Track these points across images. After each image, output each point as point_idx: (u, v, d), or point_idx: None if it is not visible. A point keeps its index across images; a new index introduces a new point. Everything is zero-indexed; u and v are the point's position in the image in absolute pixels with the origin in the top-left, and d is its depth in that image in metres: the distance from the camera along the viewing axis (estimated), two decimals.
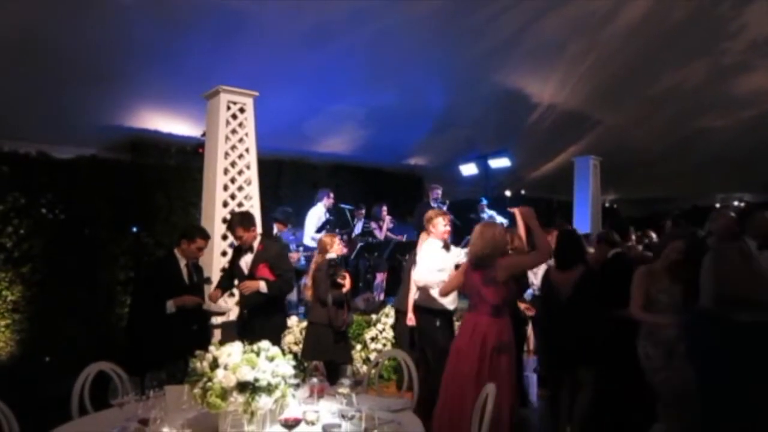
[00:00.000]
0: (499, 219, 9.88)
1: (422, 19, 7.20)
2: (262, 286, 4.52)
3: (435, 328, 4.72)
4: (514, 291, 3.92)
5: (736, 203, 13.36)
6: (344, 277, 4.97)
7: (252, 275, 4.60)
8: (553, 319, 4.49)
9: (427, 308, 4.77)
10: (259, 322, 4.53)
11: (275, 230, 7.68)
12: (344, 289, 4.96)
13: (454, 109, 9.36)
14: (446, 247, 4.87)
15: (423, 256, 4.86)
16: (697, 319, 2.51)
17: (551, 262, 4.62)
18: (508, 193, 12.52)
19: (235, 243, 4.91)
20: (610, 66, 8.89)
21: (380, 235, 8.83)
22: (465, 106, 9.37)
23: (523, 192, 13.60)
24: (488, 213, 9.52)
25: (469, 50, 8.01)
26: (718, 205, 13.27)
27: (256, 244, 4.71)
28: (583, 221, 9.96)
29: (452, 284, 4.19)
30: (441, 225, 4.86)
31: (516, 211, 4.21)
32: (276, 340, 4.59)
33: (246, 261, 4.70)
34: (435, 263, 4.74)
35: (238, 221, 4.67)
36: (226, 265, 5.56)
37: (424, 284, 4.74)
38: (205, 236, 4.62)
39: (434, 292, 4.64)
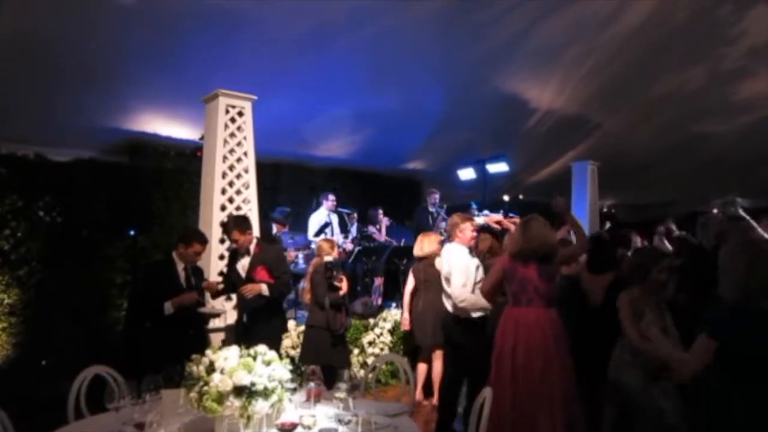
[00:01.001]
0: (494, 216, 9.93)
1: (420, 23, 7.21)
2: (264, 288, 4.52)
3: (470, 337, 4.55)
4: None
5: (732, 209, 13.35)
6: (341, 280, 4.97)
7: (250, 278, 4.59)
8: (582, 326, 4.23)
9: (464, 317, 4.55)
10: (260, 326, 4.53)
11: (274, 230, 7.69)
12: (341, 292, 4.97)
13: (453, 114, 9.36)
14: (471, 253, 4.74)
15: (457, 268, 4.53)
16: (731, 312, 2.40)
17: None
18: (506, 197, 12.53)
19: (232, 246, 4.91)
20: (609, 70, 8.90)
21: (381, 238, 8.84)
22: (463, 111, 9.37)
23: (521, 197, 13.61)
24: (481, 214, 9.56)
25: (468, 54, 8.02)
26: (715, 211, 13.26)
27: (252, 247, 4.70)
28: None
29: (494, 282, 4.04)
30: (468, 231, 4.71)
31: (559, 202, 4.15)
32: (277, 343, 4.59)
33: (243, 264, 4.70)
34: (470, 277, 4.54)
35: (234, 224, 4.67)
36: (224, 269, 5.56)
37: (471, 305, 4.46)
38: (203, 240, 4.61)
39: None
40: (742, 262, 2.44)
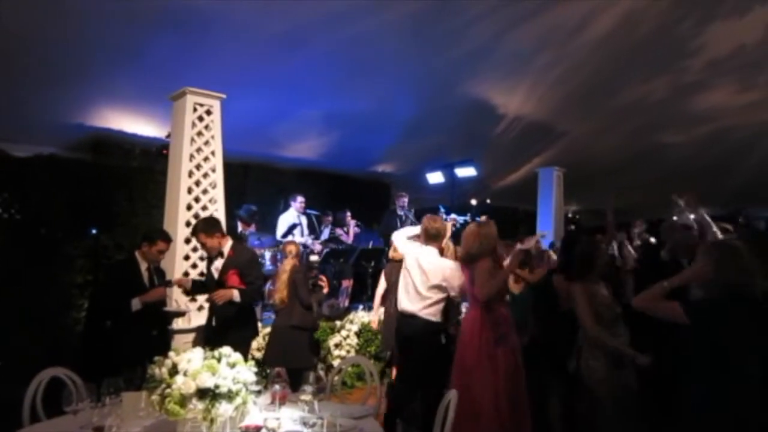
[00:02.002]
0: (461, 219, 10.05)
1: (392, 27, 7.25)
2: (236, 295, 4.36)
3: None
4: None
5: (692, 216, 13.75)
6: (322, 280, 5.01)
7: (221, 282, 4.49)
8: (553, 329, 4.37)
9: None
10: (231, 332, 4.40)
11: (239, 228, 7.61)
12: (324, 291, 5.00)
13: (423, 118, 9.42)
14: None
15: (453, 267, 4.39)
16: (703, 304, 2.61)
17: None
18: (473, 201, 12.66)
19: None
20: (576, 79, 9.09)
21: (348, 240, 8.83)
22: (433, 115, 9.45)
23: (488, 201, 13.76)
24: (448, 218, 9.65)
25: (439, 59, 8.09)
26: (675, 218, 13.62)
27: (227, 249, 4.56)
28: (547, 231, 10.14)
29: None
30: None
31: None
32: (246, 349, 4.51)
33: (217, 267, 4.60)
34: None
35: (201, 227, 4.53)
36: (189, 270, 5.49)
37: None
38: (167, 239, 4.54)
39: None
40: (711, 262, 2.65)
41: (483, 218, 5.45)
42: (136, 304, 4.22)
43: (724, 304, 2.55)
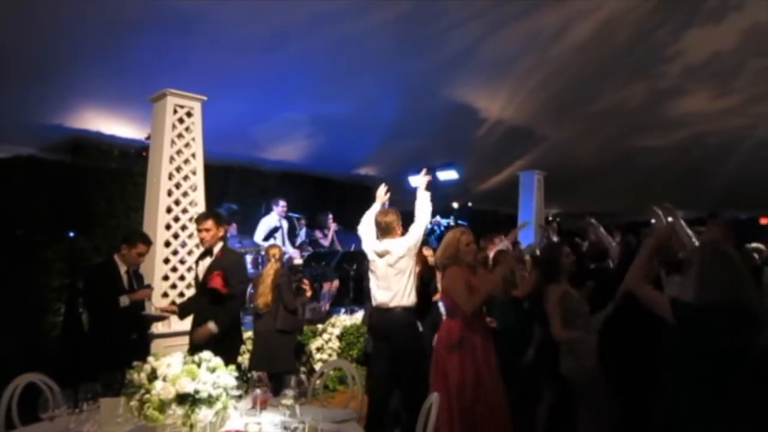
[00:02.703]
0: (444, 221, 10.10)
1: (376, 31, 7.26)
2: (213, 328, 4.19)
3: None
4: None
5: (669, 219, 13.97)
6: (305, 283, 5.01)
7: (204, 283, 4.42)
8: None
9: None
10: (219, 344, 4.35)
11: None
12: (308, 294, 5.01)
13: (405, 121, 9.45)
14: None
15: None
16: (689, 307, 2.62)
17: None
18: (455, 204, 12.73)
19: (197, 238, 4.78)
20: (556, 84, 9.19)
21: (325, 242, 8.80)
22: (416, 118, 9.48)
23: (470, 204, 13.85)
24: (433, 221, 9.73)
25: (422, 63, 8.12)
26: (653, 221, 13.84)
27: (217, 249, 4.52)
28: (527, 234, 10.21)
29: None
30: None
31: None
32: (235, 358, 4.44)
33: (205, 266, 4.53)
34: None
35: (213, 215, 4.51)
36: (168, 274, 5.43)
37: None
38: (147, 241, 4.50)
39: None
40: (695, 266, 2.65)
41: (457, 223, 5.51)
42: (124, 300, 4.19)
43: (715, 311, 2.53)
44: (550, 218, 15.84)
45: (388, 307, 4.43)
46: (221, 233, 4.51)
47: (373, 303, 4.59)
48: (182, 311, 4.58)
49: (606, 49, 8.32)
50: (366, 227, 4.82)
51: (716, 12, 7.76)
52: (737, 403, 2.46)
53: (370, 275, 4.65)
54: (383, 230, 4.62)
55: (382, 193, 4.82)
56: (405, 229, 4.70)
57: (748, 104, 9.84)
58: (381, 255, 4.55)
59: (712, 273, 2.58)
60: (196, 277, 4.54)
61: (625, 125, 10.78)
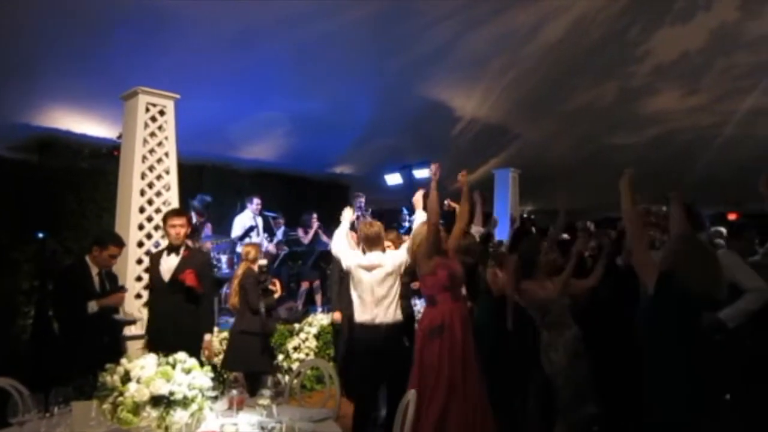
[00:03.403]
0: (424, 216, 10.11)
1: (353, 28, 7.25)
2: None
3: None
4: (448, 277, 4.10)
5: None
6: (275, 284, 4.96)
7: (175, 281, 4.41)
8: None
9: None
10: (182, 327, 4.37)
11: (194, 220, 7.46)
12: (276, 296, 4.95)
13: (381, 119, 9.46)
14: None
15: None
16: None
17: None
18: None
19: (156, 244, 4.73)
20: (530, 83, 9.29)
21: (306, 240, 8.75)
22: (391, 117, 9.49)
23: (446, 202, 13.90)
24: (411, 219, 9.75)
25: (397, 61, 8.14)
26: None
27: (183, 248, 4.52)
28: (503, 231, 10.30)
29: None
30: None
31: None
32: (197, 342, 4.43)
33: (169, 266, 4.49)
34: None
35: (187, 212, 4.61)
36: (142, 274, 5.34)
37: None
38: (119, 243, 4.41)
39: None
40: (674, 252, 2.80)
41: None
42: (92, 306, 4.09)
43: (694, 302, 2.65)
44: (525, 215, 16.01)
45: (373, 325, 4.32)
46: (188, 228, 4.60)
47: (357, 320, 4.45)
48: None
49: (578, 48, 8.44)
50: (340, 245, 4.63)
51: (685, 12, 7.92)
52: (707, 383, 2.56)
53: (352, 292, 4.50)
54: (371, 242, 4.48)
55: (348, 215, 4.76)
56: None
57: (715, 102, 10.08)
58: (370, 269, 4.40)
59: (690, 263, 2.69)
60: (158, 278, 4.48)
61: (598, 123, 10.96)
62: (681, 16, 8.02)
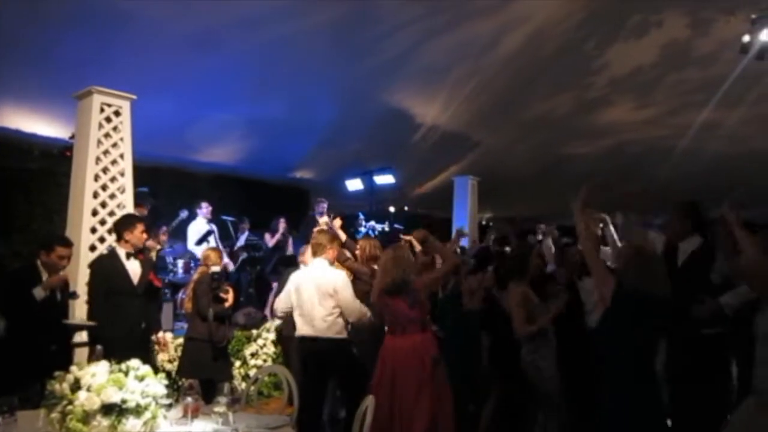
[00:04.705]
0: (378, 226, 10.15)
1: (314, 33, 7.25)
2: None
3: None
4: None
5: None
6: (227, 291, 4.85)
7: (145, 282, 4.43)
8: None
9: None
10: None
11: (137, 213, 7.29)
12: (227, 304, 4.84)
13: (342, 125, 9.47)
14: None
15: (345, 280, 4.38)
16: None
17: None
18: (392, 208, 12.84)
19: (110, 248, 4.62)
20: (489, 92, 9.46)
21: (270, 243, 8.65)
22: (352, 122, 9.52)
23: (406, 208, 14.00)
24: (367, 225, 9.79)
25: (359, 67, 8.17)
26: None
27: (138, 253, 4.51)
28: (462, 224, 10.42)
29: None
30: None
31: (411, 238, 4.38)
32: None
33: (134, 271, 4.43)
34: None
35: (121, 224, 4.53)
36: None
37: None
38: (66, 244, 4.24)
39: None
40: (622, 261, 2.98)
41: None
42: (39, 293, 3.94)
43: (638, 305, 2.78)
44: (484, 222, 16.24)
45: (314, 338, 4.21)
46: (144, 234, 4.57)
47: (297, 333, 4.35)
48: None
49: (535, 59, 8.66)
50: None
51: (639, 28, 8.22)
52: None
53: (295, 308, 4.36)
54: (318, 248, 4.43)
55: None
56: None
57: (666, 116, 10.47)
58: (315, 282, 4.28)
59: (639, 273, 2.82)
60: (128, 281, 4.39)
61: (555, 133, 11.23)
62: (635, 32, 8.32)
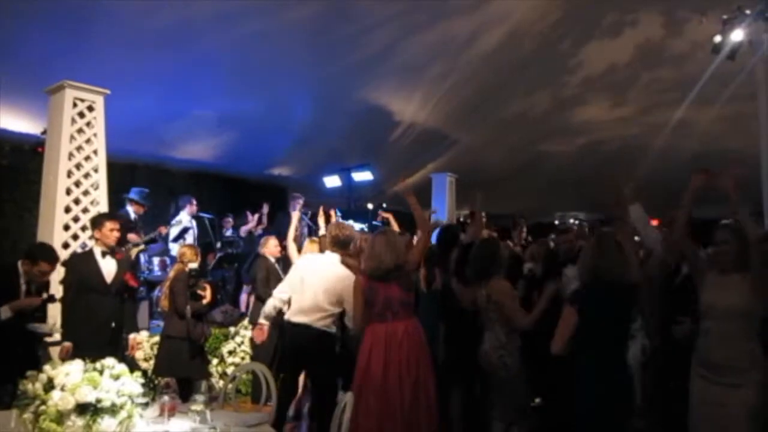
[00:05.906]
0: (358, 226, 10.14)
1: (290, 29, 7.20)
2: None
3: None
4: None
5: (572, 221, 14.85)
6: (205, 289, 4.81)
7: (119, 281, 4.38)
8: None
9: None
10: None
11: (132, 214, 7.17)
12: (204, 301, 4.80)
13: (320, 121, 9.44)
14: None
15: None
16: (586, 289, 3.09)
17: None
18: (370, 205, 12.83)
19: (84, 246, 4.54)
20: (466, 90, 9.52)
21: (246, 228, 8.61)
22: (330, 119, 9.50)
23: (384, 205, 13.99)
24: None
25: (337, 63, 8.15)
26: (556, 222, 14.71)
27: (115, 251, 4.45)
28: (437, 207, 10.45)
29: (362, 306, 3.96)
30: None
31: (389, 216, 4.37)
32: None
33: (109, 270, 4.37)
34: None
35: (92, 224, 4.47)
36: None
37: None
38: (51, 259, 4.07)
39: None
40: (590, 254, 3.13)
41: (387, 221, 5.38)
42: (5, 311, 3.83)
43: (601, 290, 2.96)
44: (462, 218, 16.32)
45: (307, 325, 4.19)
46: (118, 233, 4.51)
47: (291, 318, 4.31)
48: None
49: (512, 58, 8.73)
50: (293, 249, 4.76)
51: (613, 27, 8.33)
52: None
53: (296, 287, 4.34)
54: (339, 244, 4.39)
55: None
56: None
57: (640, 114, 10.64)
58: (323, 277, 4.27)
59: (605, 257, 3.01)
60: (100, 277, 4.32)
61: (531, 131, 11.34)
62: (609, 31, 8.43)
